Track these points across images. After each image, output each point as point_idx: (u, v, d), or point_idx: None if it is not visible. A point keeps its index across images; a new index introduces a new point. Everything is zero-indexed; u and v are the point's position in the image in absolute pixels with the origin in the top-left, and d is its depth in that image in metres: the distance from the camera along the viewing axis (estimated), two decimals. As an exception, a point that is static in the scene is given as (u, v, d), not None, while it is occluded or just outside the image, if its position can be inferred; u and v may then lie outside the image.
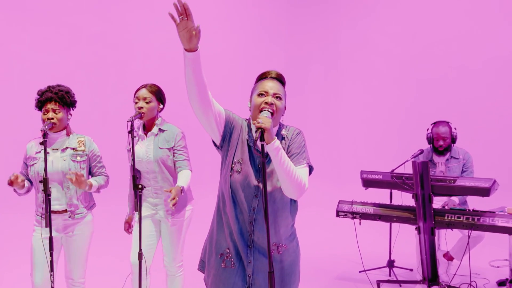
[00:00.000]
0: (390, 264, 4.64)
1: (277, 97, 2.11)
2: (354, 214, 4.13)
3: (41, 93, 2.93)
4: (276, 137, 1.98)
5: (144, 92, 3.11)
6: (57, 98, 2.88)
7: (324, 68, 7.50)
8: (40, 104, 2.92)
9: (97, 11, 5.87)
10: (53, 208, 2.91)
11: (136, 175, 2.85)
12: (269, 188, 2.09)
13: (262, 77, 2.19)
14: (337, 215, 4.20)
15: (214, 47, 6.65)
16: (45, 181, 2.66)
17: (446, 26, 6.38)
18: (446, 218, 3.74)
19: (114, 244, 4.95)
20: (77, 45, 5.78)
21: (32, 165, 2.93)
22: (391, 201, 4.56)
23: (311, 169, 2.17)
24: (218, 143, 2.15)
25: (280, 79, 2.18)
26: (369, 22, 7.01)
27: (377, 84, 6.99)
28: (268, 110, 2.04)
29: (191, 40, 1.82)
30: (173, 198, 2.73)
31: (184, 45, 1.84)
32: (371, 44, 7.02)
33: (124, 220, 3.37)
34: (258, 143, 1.98)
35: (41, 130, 2.74)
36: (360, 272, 4.65)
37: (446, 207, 4.00)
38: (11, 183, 2.77)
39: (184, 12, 1.78)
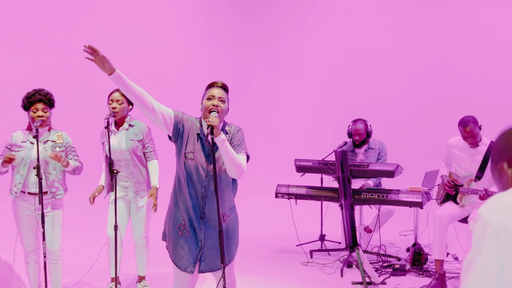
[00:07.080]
0: (322, 238, 5.45)
1: (221, 100, 2.64)
2: (290, 195, 4.93)
3: (30, 95, 3.44)
4: (222, 132, 2.60)
5: (116, 95, 3.76)
6: (46, 100, 3.45)
7: (266, 70, 8.18)
8: (29, 105, 3.44)
9: (64, 21, 6.18)
10: (31, 190, 3.43)
11: (111, 162, 3.48)
12: (216, 170, 2.66)
13: (211, 85, 2.73)
14: (276, 196, 4.98)
15: (168, 53, 7.20)
16: (38, 168, 3.24)
17: (368, 34, 7.28)
18: (362, 196, 4.62)
19: (86, 228, 5.41)
20: (47, 52, 6.07)
21: (18, 151, 3.43)
22: (322, 184, 5.40)
23: (248, 157, 2.78)
24: (171, 137, 2.71)
25: (224, 87, 2.71)
26: (304, 30, 7.81)
27: (312, 84, 7.77)
28: (215, 111, 2.59)
29: (105, 66, 2.43)
30: (155, 204, 3.65)
31: (105, 72, 2.44)
32: (307, 48, 7.81)
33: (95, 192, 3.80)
34: (209, 136, 2.50)
35: (34, 126, 3.31)
36: (297, 246, 5.41)
37: (363, 188, 4.89)
38: (9, 160, 3.28)
39: (92, 50, 2.42)
